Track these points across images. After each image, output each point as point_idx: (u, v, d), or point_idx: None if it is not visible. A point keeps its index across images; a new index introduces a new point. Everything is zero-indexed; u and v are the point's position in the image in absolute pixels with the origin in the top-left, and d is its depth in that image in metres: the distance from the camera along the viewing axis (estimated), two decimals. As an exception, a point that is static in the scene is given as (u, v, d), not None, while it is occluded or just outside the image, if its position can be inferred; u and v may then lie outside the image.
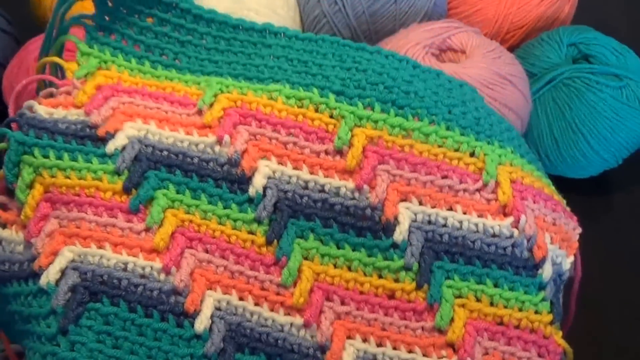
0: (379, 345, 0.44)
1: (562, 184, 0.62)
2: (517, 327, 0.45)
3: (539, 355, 0.45)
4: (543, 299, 0.46)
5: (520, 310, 0.45)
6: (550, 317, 0.45)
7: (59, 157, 0.46)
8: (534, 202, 0.48)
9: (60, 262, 0.43)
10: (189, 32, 0.54)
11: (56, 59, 0.53)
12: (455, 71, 0.59)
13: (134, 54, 0.53)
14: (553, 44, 0.64)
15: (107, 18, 0.54)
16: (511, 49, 0.66)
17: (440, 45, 0.61)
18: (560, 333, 0.46)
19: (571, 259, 0.48)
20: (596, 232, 0.62)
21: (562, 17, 0.68)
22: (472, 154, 0.49)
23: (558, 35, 0.64)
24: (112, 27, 0.54)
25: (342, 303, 0.45)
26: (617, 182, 0.67)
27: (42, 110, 0.48)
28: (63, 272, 0.43)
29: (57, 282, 0.42)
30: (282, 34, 0.55)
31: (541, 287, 0.46)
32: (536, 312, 0.45)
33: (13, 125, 0.47)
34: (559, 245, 0.48)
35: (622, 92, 0.61)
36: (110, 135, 0.47)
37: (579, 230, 0.49)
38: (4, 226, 0.46)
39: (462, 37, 0.61)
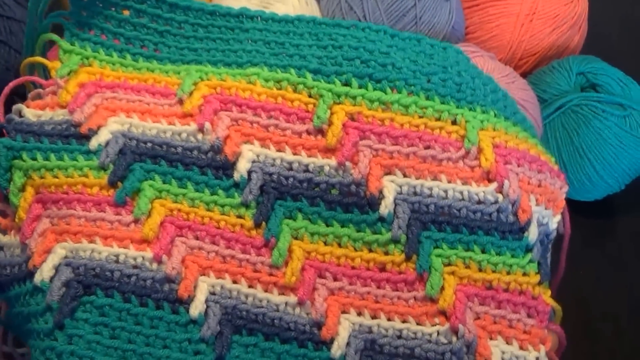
0: (374, 317, 0.45)
1: (568, 206, 0.64)
2: (506, 290, 0.46)
3: (529, 316, 0.46)
4: (530, 261, 0.46)
5: (508, 273, 0.46)
6: (537, 278, 0.46)
7: (46, 159, 0.47)
8: (518, 165, 0.48)
9: (52, 260, 0.44)
10: (166, 22, 0.54)
11: (39, 59, 0.53)
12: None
13: (115, 48, 0.54)
14: (563, 72, 0.67)
15: (83, 13, 0.54)
16: (524, 75, 0.69)
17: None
18: (549, 292, 0.47)
19: (558, 217, 0.49)
20: (599, 253, 0.65)
21: (572, 46, 0.72)
22: (453, 122, 0.49)
23: (568, 63, 0.67)
24: (90, 22, 0.54)
25: (335, 279, 0.46)
26: (619, 206, 0.71)
27: (30, 113, 0.49)
28: (56, 269, 0.44)
29: (51, 279, 0.43)
30: (258, 17, 0.55)
31: (528, 249, 0.47)
32: (524, 274, 0.46)
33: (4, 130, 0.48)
34: (544, 206, 0.48)
35: (625, 121, 0.64)
36: (93, 132, 0.48)
37: (566, 188, 0.50)
38: (4, 232, 0.47)
39: (478, 61, 0.63)
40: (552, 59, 0.70)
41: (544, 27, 0.69)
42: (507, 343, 0.45)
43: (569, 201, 0.63)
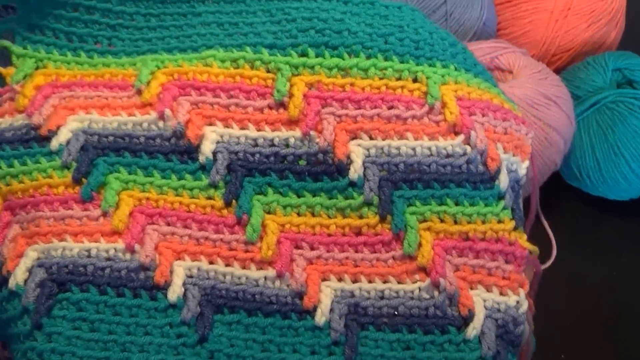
0: (354, 281, 0.46)
1: (602, 205, 0.65)
2: (482, 239, 0.46)
3: (506, 262, 0.46)
4: (504, 208, 0.46)
5: (483, 222, 0.46)
6: (512, 224, 0.46)
7: (10, 165, 0.47)
8: (483, 115, 0.48)
9: (25, 263, 0.44)
10: (117, 16, 0.54)
11: None
12: (502, 90, 0.61)
13: (68, 47, 0.53)
14: (598, 68, 0.65)
15: (32, 16, 0.53)
16: (557, 71, 0.67)
17: (488, 65, 0.62)
18: (525, 236, 0.47)
19: (526, 163, 0.49)
20: (634, 254, 0.63)
21: (609, 42, 0.70)
22: (414, 80, 0.49)
23: (604, 59, 0.65)
24: (41, 24, 0.54)
25: (312, 248, 0.46)
26: None
27: None
28: (30, 271, 0.44)
29: (26, 281, 0.44)
30: (210, 0, 0.54)
31: (500, 196, 0.47)
32: (499, 222, 0.46)
33: None
34: (512, 153, 0.48)
35: None
36: (53, 133, 0.48)
37: (531, 133, 0.50)
38: None
39: (509, 57, 0.62)
40: (587, 55, 0.68)
41: (579, 23, 0.67)
42: (488, 291, 0.45)
43: (603, 201, 0.65)
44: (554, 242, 0.61)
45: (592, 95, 0.63)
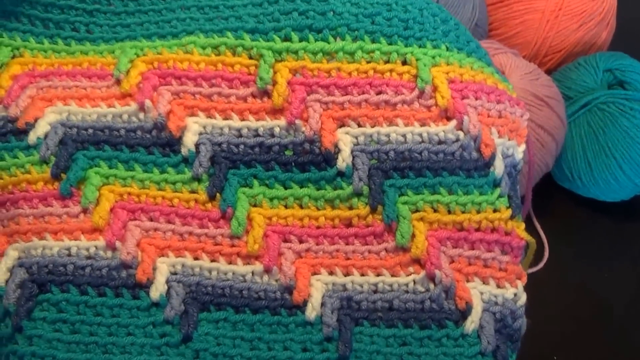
0: (346, 274, 0.44)
1: (594, 206, 0.64)
2: (477, 229, 0.44)
3: (503, 253, 0.44)
4: (500, 196, 0.45)
5: (478, 212, 0.44)
6: (509, 212, 0.44)
7: None
8: (476, 99, 0.46)
9: (6, 263, 0.43)
10: (94, 1, 0.52)
11: None
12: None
13: (45, 34, 0.51)
14: (589, 69, 0.65)
15: (7, 2, 0.51)
16: (548, 72, 0.67)
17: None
18: (523, 225, 0.45)
19: (523, 147, 0.47)
20: (627, 255, 0.63)
21: (600, 43, 0.70)
22: (403, 62, 0.47)
23: (595, 60, 0.65)
24: (16, 11, 0.51)
25: (301, 241, 0.45)
26: None
27: None
28: (11, 272, 0.43)
29: (7, 282, 0.42)
30: None
31: (495, 183, 0.45)
32: (495, 210, 0.44)
33: None
34: (507, 137, 0.46)
35: None
36: (31, 125, 0.46)
37: (527, 115, 0.48)
38: None
39: (501, 58, 0.62)
40: (578, 56, 0.68)
41: (570, 24, 0.67)
42: (484, 283, 0.44)
43: (594, 202, 0.64)
44: (546, 244, 0.60)
45: (583, 96, 0.63)
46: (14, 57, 0.50)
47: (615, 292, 0.59)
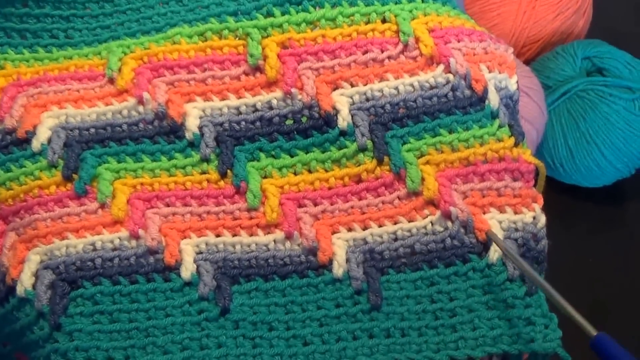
0: (365, 228, 0.45)
1: (576, 193, 0.65)
2: (484, 161, 0.45)
3: (514, 179, 0.45)
4: (500, 126, 0.46)
5: (481, 145, 0.46)
6: (512, 140, 0.46)
7: None
8: (458, 41, 0.48)
9: (29, 267, 0.43)
10: (69, 6, 0.52)
11: None
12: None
13: (24, 45, 0.51)
14: (568, 58, 0.65)
15: None
16: (527, 62, 0.68)
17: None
18: (529, 151, 0.46)
19: (515, 78, 0.48)
20: (609, 240, 0.64)
21: (577, 31, 0.70)
22: (383, 21, 0.49)
23: (573, 49, 0.66)
24: None
25: (315, 204, 0.45)
26: (630, 191, 0.68)
27: None
28: (36, 275, 0.42)
29: (34, 286, 0.42)
30: None
31: (493, 115, 0.46)
32: (498, 140, 0.46)
33: None
34: (497, 71, 0.48)
35: (634, 104, 0.62)
36: (31, 133, 0.46)
37: (512, 49, 0.50)
38: None
39: None
40: (556, 45, 0.69)
41: (547, 14, 0.67)
42: (501, 212, 0.45)
43: (577, 189, 0.65)
44: None
45: (562, 84, 0.64)
46: None
47: (599, 277, 0.60)
